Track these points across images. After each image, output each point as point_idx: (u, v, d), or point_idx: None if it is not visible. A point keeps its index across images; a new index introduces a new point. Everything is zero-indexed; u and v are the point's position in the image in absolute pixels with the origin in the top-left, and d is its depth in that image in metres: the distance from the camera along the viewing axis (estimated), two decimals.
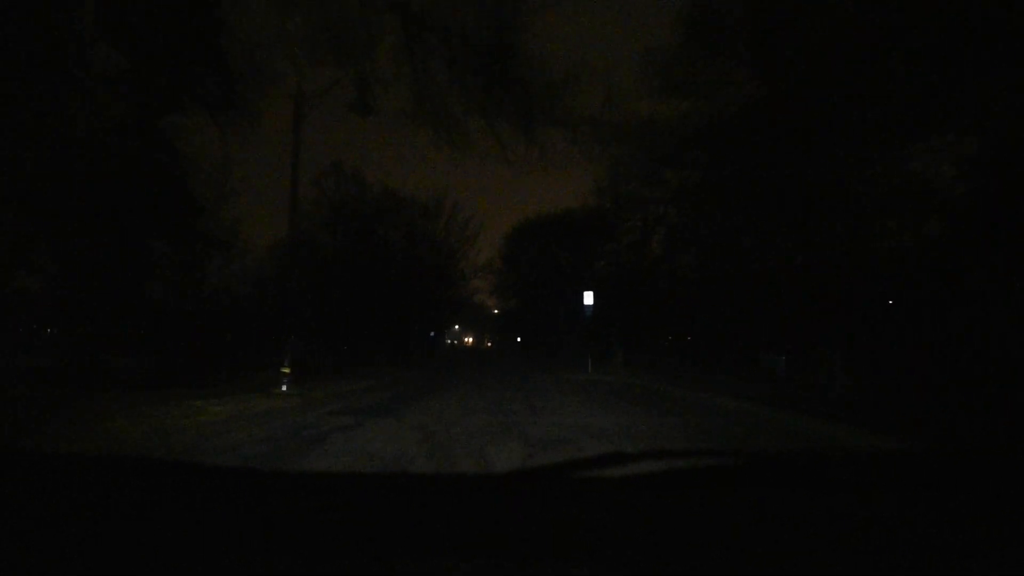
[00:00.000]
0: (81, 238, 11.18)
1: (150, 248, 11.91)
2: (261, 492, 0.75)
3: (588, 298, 17.43)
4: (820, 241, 15.28)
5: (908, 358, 11.94)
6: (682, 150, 17.16)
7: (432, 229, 26.73)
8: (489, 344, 79.97)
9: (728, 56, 15.44)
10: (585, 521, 0.65)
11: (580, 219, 26.22)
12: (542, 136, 9.65)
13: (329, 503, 0.71)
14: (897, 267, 13.69)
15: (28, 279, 11.79)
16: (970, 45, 10.54)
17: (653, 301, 22.40)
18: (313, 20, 8.93)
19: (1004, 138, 10.78)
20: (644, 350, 23.29)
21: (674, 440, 5.54)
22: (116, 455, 0.89)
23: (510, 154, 9.63)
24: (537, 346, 39.03)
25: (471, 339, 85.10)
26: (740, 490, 0.81)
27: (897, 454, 1.10)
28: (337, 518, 0.65)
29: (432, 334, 33.43)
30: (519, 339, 50.66)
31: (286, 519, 0.64)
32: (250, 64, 10.06)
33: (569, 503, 0.73)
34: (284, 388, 8.65)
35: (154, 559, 0.52)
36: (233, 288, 18.67)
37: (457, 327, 68.23)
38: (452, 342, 69.75)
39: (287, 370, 8.75)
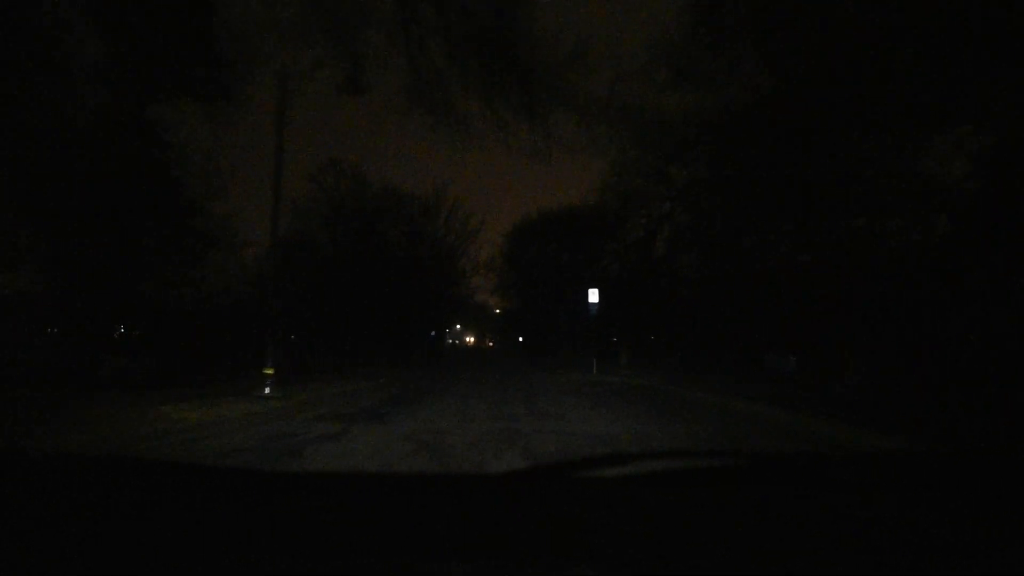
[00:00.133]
0: (65, 235, 10.72)
1: (142, 245, 11.46)
2: (260, 492, 0.75)
3: (593, 296, 16.80)
4: (828, 239, 14.91)
5: (918, 357, 11.69)
6: (688, 146, 16.81)
7: (432, 227, 26.29)
8: (490, 344, 79.55)
9: (736, 46, 15.03)
10: (586, 521, 0.65)
11: (582, 217, 25.87)
12: (546, 119, 9.06)
13: (329, 503, 0.71)
14: (903, 266, 13.38)
15: (28, 279, 11.53)
16: (975, 41, 10.12)
17: (657, 300, 22.01)
18: None
19: (1009, 134, 10.41)
20: (647, 350, 23.04)
21: None
22: (116, 455, 1.00)
23: (512, 138, 9.01)
24: (539, 346, 38.71)
25: (472, 339, 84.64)
26: (741, 490, 0.81)
27: (897, 454, 1.21)
28: (337, 518, 0.65)
29: (433, 334, 33.07)
30: (520, 339, 50.26)
31: (286, 519, 0.64)
32: (241, 50, 9.46)
33: (569, 503, 0.73)
34: (267, 391, 8.00)
35: (154, 559, 0.52)
36: (233, 287, 18.56)
37: (458, 327, 67.88)
38: (453, 342, 69.39)
39: (270, 371, 8.10)
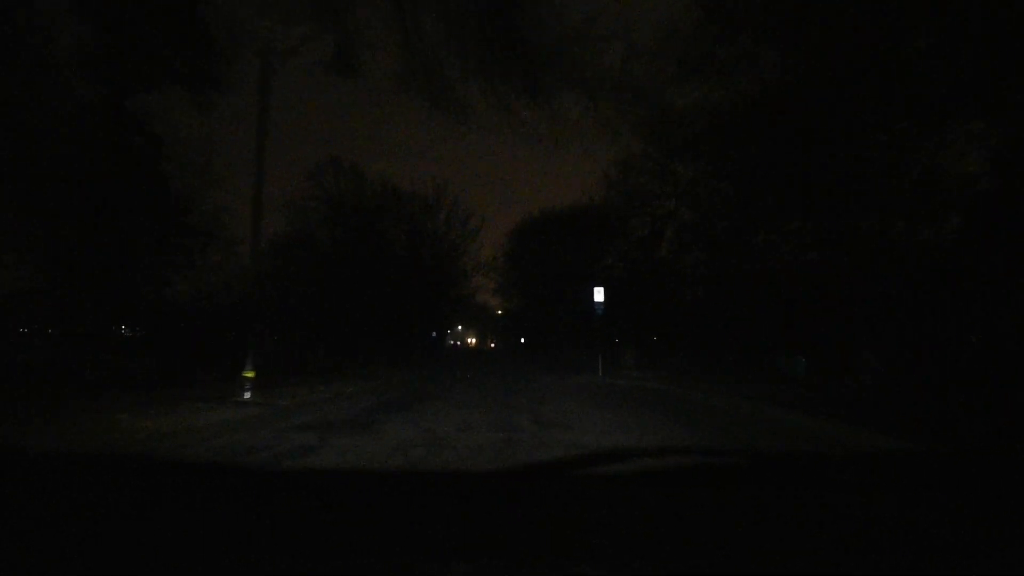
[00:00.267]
0: (54, 232, 10.44)
1: (134, 242, 11.13)
2: (261, 491, 0.75)
3: (599, 294, 16.15)
4: (836, 237, 14.63)
5: (938, 358, 11.50)
6: (694, 142, 16.55)
7: (432, 225, 25.88)
8: (492, 345, 79.08)
9: (746, 37, 14.77)
10: (585, 521, 0.65)
11: (585, 216, 25.67)
12: (551, 101, 8.45)
13: (329, 502, 0.71)
14: (913, 265, 13.14)
15: (26, 278, 11.32)
16: (991, 31, 9.85)
17: (662, 300, 21.75)
18: None
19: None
20: (647, 350, 22.70)
21: None
22: (117, 455, 0.92)
23: (514, 121, 8.40)
24: (541, 347, 38.31)
25: (474, 340, 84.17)
26: (741, 490, 0.80)
27: (897, 454, 1.25)
28: (337, 518, 0.65)
29: (434, 334, 32.63)
30: (522, 340, 49.83)
31: (286, 519, 0.64)
32: (228, 33, 8.89)
33: (569, 502, 0.73)
34: (247, 395, 7.35)
35: (154, 559, 0.52)
36: (235, 286, 18.59)
37: (460, 327, 67.45)
38: (455, 343, 68.98)
39: (250, 374, 7.44)
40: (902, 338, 12.52)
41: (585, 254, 26.38)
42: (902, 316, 12.78)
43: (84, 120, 9.35)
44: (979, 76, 10.54)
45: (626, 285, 22.32)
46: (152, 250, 11.99)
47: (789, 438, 5.89)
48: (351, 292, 22.01)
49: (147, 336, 15.66)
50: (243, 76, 9.12)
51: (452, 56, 7.51)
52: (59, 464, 0.81)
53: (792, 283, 15.49)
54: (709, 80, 14.27)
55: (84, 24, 8.70)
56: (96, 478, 0.77)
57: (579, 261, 26.82)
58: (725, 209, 18.18)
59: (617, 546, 0.56)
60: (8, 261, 10.33)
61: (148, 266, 12.13)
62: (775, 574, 0.52)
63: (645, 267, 22.69)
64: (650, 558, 0.53)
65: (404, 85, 7.88)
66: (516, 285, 35.55)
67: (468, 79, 7.41)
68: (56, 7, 8.96)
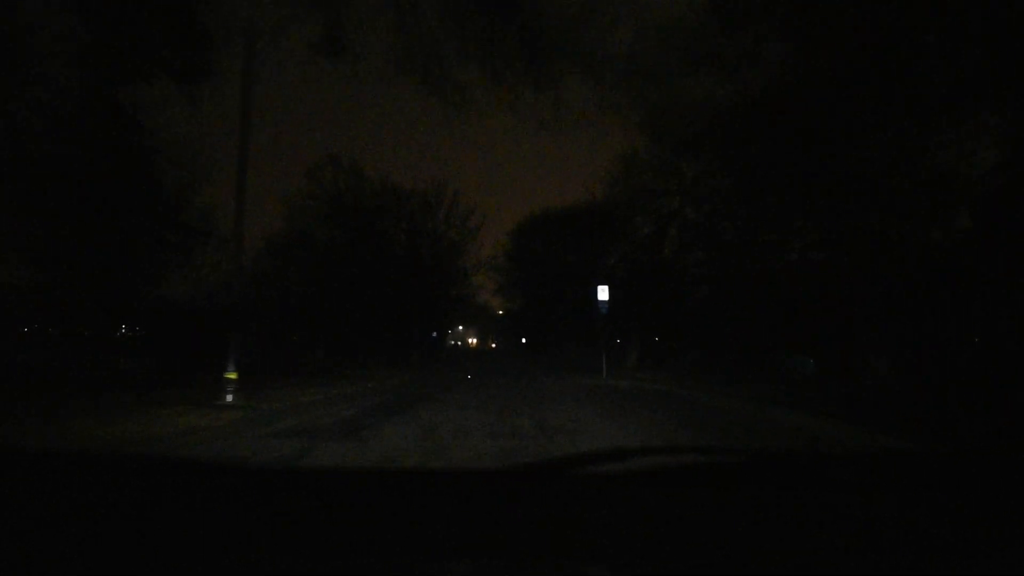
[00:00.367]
0: (45, 228, 10.31)
1: (125, 239, 10.93)
2: (261, 491, 0.74)
3: (603, 293, 15.64)
4: (842, 236, 14.47)
5: (948, 357, 11.38)
6: (699, 138, 16.30)
7: (432, 223, 25.51)
8: (493, 345, 78.68)
9: (756, 28, 14.45)
10: (586, 520, 0.65)
11: (588, 215, 25.37)
12: (556, 84, 7.98)
13: (329, 502, 0.71)
14: (922, 264, 13.02)
15: (19, 274, 11.15)
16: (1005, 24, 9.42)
17: (665, 300, 21.45)
18: None
19: None
20: (649, 350, 22.45)
21: None
22: (117, 455, 0.96)
23: (517, 104, 7.94)
24: (541, 347, 37.99)
25: (475, 340, 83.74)
26: (741, 489, 0.80)
27: (897, 454, 1.24)
28: (337, 517, 0.64)
29: (435, 334, 32.24)
30: (524, 340, 49.45)
31: (286, 518, 0.63)
32: (219, 20, 8.44)
33: (570, 501, 0.73)
34: (229, 398, 6.86)
35: (154, 559, 0.52)
36: (234, 285, 18.47)
37: (461, 328, 67.09)
38: (456, 343, 68.60)
39: (233, 375, 6.94)
40: (903, 339, 12.34)
41: (587, 253, 26.13)
42: (905, 317, 12.59)
43: (73, 113, 9.04)
44: (990, 67, 10.18)
45: (629, 284, 22.05)
46: (147, 247, 11.97)
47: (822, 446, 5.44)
48: (350, 292, 21.78)
49: (147, 336, 15.62)
50: (234, 69, 8.70)
51: (450, 37, 7.06)
52: (59, 463, 0.80)
53: (798, 283, 15.22)
54: (714, 73, 13.89)
55: (69, 11, 8.30)
56: (96, 478, 0.77)
57: (580, 260, 26.56)
58: (729, 208, 17.99)
59: (617, 546, 0.56)
60: (5, 258, 10.24)
61: (142, 262, 11.98)
62: (775, 574, 0.51)
63: (648, 266, 22.47)
64: (650, 558, 0.53)
65: (399, 69, 7.43)
66: (517, 285, 35.21)
67: (467, 62, 6.96)
68: None
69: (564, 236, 27.47)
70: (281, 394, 8.56)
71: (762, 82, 13.42)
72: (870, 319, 12.99)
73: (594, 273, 22.95)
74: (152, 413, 5.92)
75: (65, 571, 0.49)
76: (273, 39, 7.08)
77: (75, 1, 8.01)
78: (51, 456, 0.81)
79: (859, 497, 0.76)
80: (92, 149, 8.99)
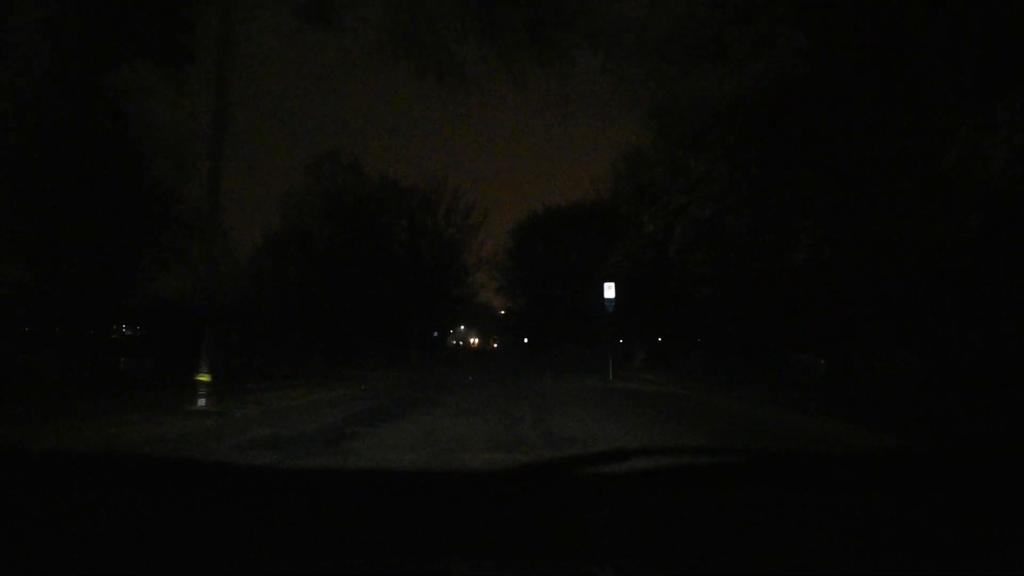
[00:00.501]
0: (36, 227, 10.09)
1: (111, 234, 10.64)
2: (260, 491, 0.73)
3: (609, 291, 15.00)
4: (851, 235, 14.01)
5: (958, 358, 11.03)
6: (706, 134, 16.17)
7: (432, 220, 25.01)
8: (495, 345, 78.14)
9: (767, 18, 14.04)
10: (585, 521, 0.64)
11: (592, 213, 24.98)
12: (562, 59, 7.34)
13: (330, 502, 0.70)
14: (933, 264, 12.47)
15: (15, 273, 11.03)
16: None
17: (671, 299, 21.11)
18: None
19: None
20: (651, 350, 22.12)
21: None
22: (117, 455, 0.93)
23: (521, 82, 7.31)
24: (544, 347, 37.48)
25: (476, 340, 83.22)
26: (741, 490, 0.80)
27: (897, 454, 1.23)
28: (336, 517, 0.64)
29: (435, 334, 31.74)
30: (525, 340, 48.87)
31: (285, 519, 0.62)
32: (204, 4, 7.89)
33: (570, 502, 0.73)
34: (202, 403, 6.23)
35: (154, 559, 0.52)
36: (233, 285, 18.39)
37: (462, 328, 66.58)
38: (457, 343, 68.07)
39: (206, 378, 6.30)
40: (904, 339, 12.17)
41: (590, 252, 25.73)
42: (906, 317, 12.28)
43: (45, 96, 8.50)
44: (999, 59, 9.81)
45: (633, 284, 21.62)
46: (135, 239, 11.59)
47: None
48: (350, 292, 21.51)
49: (147, 336, 15.45)
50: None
51: (447, 10, 6.43)
52: (59, 464, 0.79)
53: (807, 283, 14.95)
54: (723, 66, 13.47)
55: None
56: (96, 478, 0.76)
57: (584, 260, 26.13)
58: (737, 206, 17.66)
59: (618, 546, 0.56)
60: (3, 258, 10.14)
61: (127, 252, 11.71)
62: (775, 574, 0.51)
63: (653, 265, 22.05)
64: (651, 558, 0.53)
65: (393, 44, 6.80)
66: (519, 284, 34.80)
67: (466, 34, 6.34)
68: None
69: (567, 234, 27.12)
70: (264, 397, 7.93)
71: (768, 76, 13.06)
72: (873, 319, 12.81)
73: (597, 272, 22.46)
74: (104, 420, 5.28)
75: (65, 571, 0.49)
76: (255, 7, 6.48)
77: None
78: (51, 456, 0.82)
79: (859, 497, 0.75)
80: (71, 136, 8.54)
